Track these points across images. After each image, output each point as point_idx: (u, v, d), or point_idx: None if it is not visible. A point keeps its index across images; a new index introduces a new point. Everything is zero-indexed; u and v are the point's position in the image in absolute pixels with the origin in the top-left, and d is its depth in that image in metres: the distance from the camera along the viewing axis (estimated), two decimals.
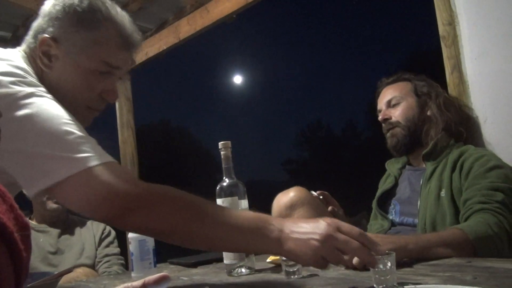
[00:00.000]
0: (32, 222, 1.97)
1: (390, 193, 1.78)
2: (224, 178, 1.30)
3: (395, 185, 1.79)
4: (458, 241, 1.17)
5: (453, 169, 1.53)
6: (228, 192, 1.27)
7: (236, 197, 1.27)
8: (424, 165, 1.68)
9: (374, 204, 1.80)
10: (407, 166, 1.79)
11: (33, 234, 1.95)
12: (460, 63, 1.78)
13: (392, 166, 1.86)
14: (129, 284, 0.64)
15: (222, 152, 1.31)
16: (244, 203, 1.30)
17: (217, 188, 1.29)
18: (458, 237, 1.19)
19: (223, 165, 1.31)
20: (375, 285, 0.90)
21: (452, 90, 1.80)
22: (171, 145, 21.86)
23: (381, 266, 0.91)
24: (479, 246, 1.18)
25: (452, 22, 1.80)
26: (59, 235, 1.94)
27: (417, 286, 0.75)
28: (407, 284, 0.86)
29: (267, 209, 1.69)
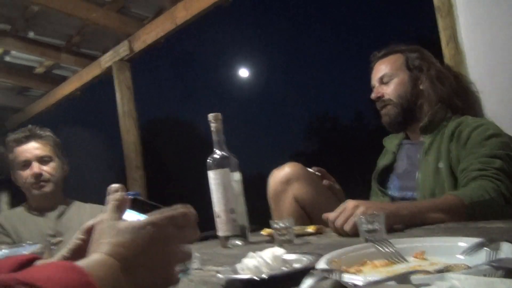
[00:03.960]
0: (23, 209, 2.00)
1: (389, 169, 1.76)
2: (214, 150, 1.29)
3: (394, 160, 1.76)
4: (452, 206, 1.15)
5: (450, 140, 1.50)
6: (220, 164, 1.26)
7: (228, 169, 1.26)
8: (422, 138, 1.65)
9: (373, 181, 1.78)
10: (404, 141, 1.77)
11: (32, 218, 1.96)
12: (456, 34, 1.74)
13: (390, 142, 1.84)
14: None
15: (212, 125, 1.29)
16: (237, 176, 1.28)
17: (208, 160, 1.28)
18: (452, 202, 1.17)
19: (214, 138, 1.30)
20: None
21: (448, 61, 1.77)
22: (179, 140, 21.89)
23: (369, 226, 0.90)
24: (475, 211, 1.16)
25: None
26: (57, 218, 1.95)
27: (402, 239, 0.74)
28: None
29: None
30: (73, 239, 0.62)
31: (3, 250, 1.02)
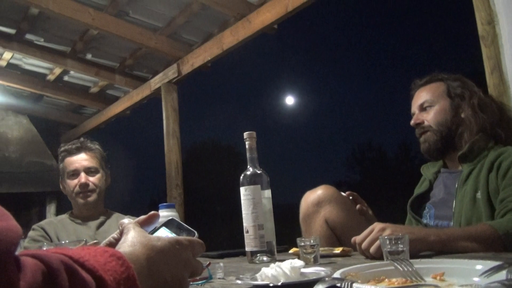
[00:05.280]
0: (67, 217, 2.12)
1: (424, 197, 1.73)
2: (248, 167, 1.33)
3: (430, 189, 1.73)
4: (485, 236, 1.12)
5: (490, 170, 1.46)
6: (252, 181, 1.30)
7: (259, 186, 1.29)
8: (460, 168, 1.62)
9: (408, 208, 1.75)
10: (442, 170, 1.73)
11: (74, 225, 2.07)
12: (500, 63, 1.71)
13: (427, 170, 1.81)
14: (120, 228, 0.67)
15: (247, 142, 1.34)
16: (267, 193, 1.31)
17: (241, 177, 1.32)
18: (485, 232, 1.13)
19: (248, 155, 1.34)
20: None
21: (492, 90, 1.73)
22: (218, 162, 22.20)
23: (392, 247, 0.89)
24: (510, 242, 1.12)
25: (491, 22, 1.75)
26: (98, 227, 2.05)
27: (422, 259, 0.74)
28: None
29: None
30: (109, 237, 0.69)
31: (45, 244, 1.09)
